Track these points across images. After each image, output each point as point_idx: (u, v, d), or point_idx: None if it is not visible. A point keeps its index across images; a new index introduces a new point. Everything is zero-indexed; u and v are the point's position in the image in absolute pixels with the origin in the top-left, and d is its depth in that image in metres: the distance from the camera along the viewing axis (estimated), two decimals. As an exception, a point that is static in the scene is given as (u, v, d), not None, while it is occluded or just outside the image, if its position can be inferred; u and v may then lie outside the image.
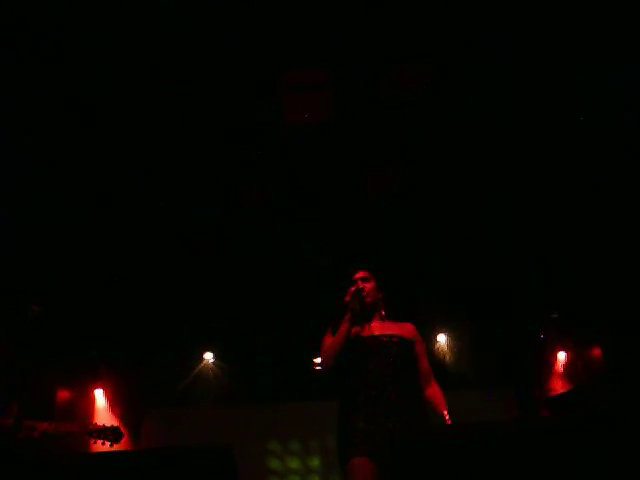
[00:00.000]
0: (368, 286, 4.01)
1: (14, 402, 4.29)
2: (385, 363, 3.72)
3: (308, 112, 5.39)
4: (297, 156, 6.05)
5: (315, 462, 9.17)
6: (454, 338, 9.15)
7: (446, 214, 6.87)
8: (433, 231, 7.13)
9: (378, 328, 3.93)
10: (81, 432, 4.70)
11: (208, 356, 9.22)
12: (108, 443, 4.62)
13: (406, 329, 3.98)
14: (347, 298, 3.90)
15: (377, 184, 6.42)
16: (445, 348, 9.12)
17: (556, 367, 8.73)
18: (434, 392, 3.87)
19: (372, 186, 6.45)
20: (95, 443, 4.66)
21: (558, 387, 8.52)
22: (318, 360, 8.83)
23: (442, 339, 9.16)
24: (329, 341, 3.89)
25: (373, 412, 3.58)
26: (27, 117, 5.16)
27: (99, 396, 8.42)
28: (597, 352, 7.87)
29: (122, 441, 4.74)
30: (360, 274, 4.07)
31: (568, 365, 8.59)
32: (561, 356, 8.71)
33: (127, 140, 5.66)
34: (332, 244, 7.25)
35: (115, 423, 4.92)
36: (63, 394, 7.93)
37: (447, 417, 3.74)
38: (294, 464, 9.20)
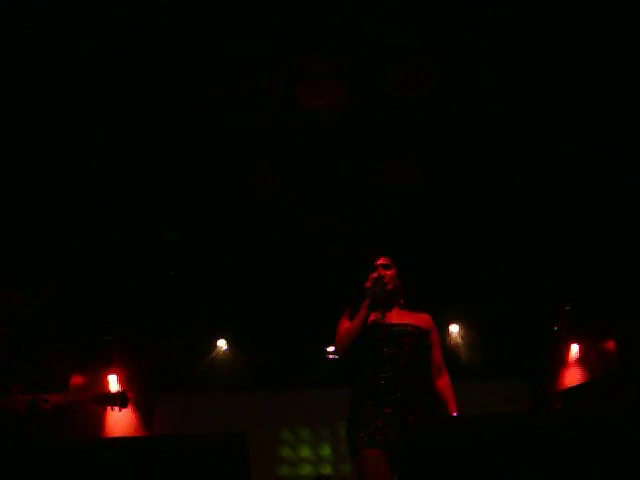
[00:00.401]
0: (389, 273, 3.99)
1: (29, 382, 4.36)
2: (399, 351, 3.72)
3: (322, 100, 5.38)
4: (310, 144, 6.03)
5: (326, 450, 9.21)
6: (467, 329, 9.12)
7: (459, 204, 6.84)
8: (446, 222, 7.09)
9: (395, 316, 3.91)
10: (90, 400, 4.83)
11: (222, 343, 9.26)
12: (117, 408, 4.74)
13: (423, 319, 3.97)
14: (368, 284, 3.88)
15: (387, 175, 6.41)
16: (458, 339, 9.11)
17: (569, 359, 8.69)
18: (443, 384, 3.85)
19: (383, 177, 6.44)
20: (105, 409, 4.81)
21: (571, 380, 8.49)
22: (331, 349, 8.88)
23: (455, 329, 9.14)
24: (346, 325, 3.88)
25: (383, 400, 3.58)
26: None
27: (112, 382, 8.47)
28: (611, 344, 7.83)
29: (135, 427, 4.87)
30: (381, 260, 4.05)
31: (581, 357, 8.56)
32: (574, 348, 8.67)
33: (130, 133, 5.68)
34: (345, 233, 7.24)
35: (128, 409, 5.05)
36: (77, 379, 8.00)
37: (454, 411, 3.74)
38: (305, 452, 9.24)
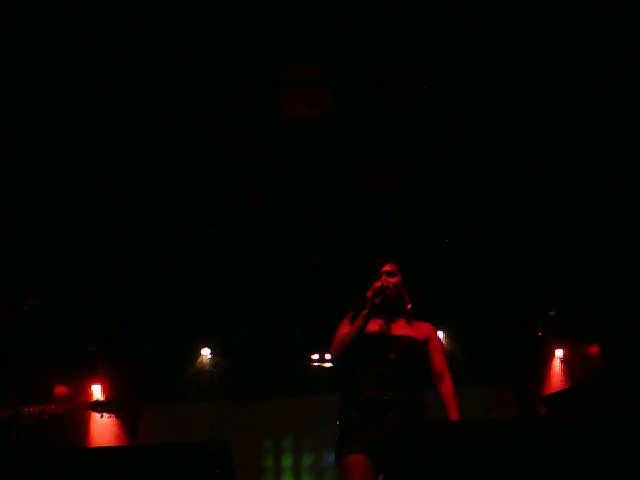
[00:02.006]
0: (393, 280, 3.90)
1: (13, 392, 4.35)
2: (389, 365, 3.68)
3: (307, 108, 5.39)
4: (296, 153, 6.05)
5: (309, 459, 9.18)
6: (451, 335, 9.14)
7: (444, 210, 6.87)
8: (430, 228, 7.11)
9: (394, 327, 3.87)
10: (85, 407, 4.87)
11: (205, 352, 9.22)
12: (113, 415, 4.79)
13: (421, 329, 3.95)
14: (369, 293, 3.77)
15: (376, 183, 6.42)
16: (443, 345, 9.11)
17: (554, 364, 8.73)
18: (445, 390, 3.78)
19: (371, 185, 6.45)
20: (102, 417, 4.87)
21: (556, 384, 8.52)
22: (315, 357, 8.87)
23: (439, 336, 9.14)
24: (344, 331, 3.82)
25: (370, 411, 3.56)
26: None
27: (97, 392, 8.42)
28: (595, 349, 7.87)
29: (119, 436, 4.93)
30: (387, 267, 3.95)
31: (566, 362, 8.59)
32: (559, 353, 8.71)
33: (126, 137, 5.66)
34: (330, 241, 7.24)
35: (112, 418, 5.06)
36: (60, 389, 7.94)
37: (454, 416, 3.67)
38: (288, 461, 9.22)
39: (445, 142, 5.92)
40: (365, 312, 3.71)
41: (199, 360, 9.22)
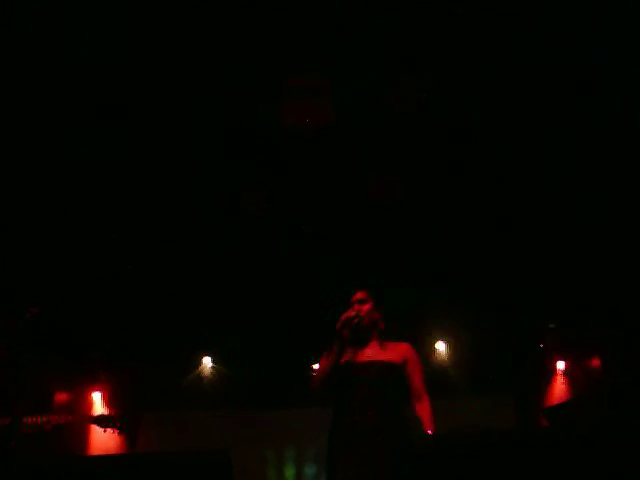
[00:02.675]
0: (365, 308, 4.04)
1: (14, 401, 4.34)
2: (367, 391, 3.80)
3: (308, 117, 5.41)
4: (298, 161, 6.06)
5: (311, 469, 9.15)
6: (453, 346, 9.13)
7: (446, 221, 6.87)
8: (431, 236, 7.12)
9: (369, 353, 3.99)
10: (88, 421, 4.86)
11: (207, 360, 9.21)
12: (117, 430, 4.81)
13: (398, 351, 4.02)
14: (338, 326, 3.90)
15: (378, 193, 6.43)
16: (444, 356, 9.10)
17: (555, 376, 8.71)
18: (421, 409, 3.89)
19: (372, 194, 6.46)
20: (105, 431, 4.85)
21: (557, 397, 8.50)
22: (316, 366, 8.84)
23: (441, 347, 9.14)
24: (322, 364, 3.99)
25: (353, 439, 3.70)
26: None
27: (97, 399, 8.42)
28: (596, 362, 7.86)
29: (119, 444, 4.91)
30: (358, 295, 4.11)
31: (567, 375, 8.58)
32: (560, 365, 8.70)
33: (129, 141, 5.68)
34: (333, 247, 7.25)
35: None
36: (61, 396, 7.94)
37: (428, 429, 3.79)
38: (290, 471, 9.18)
39: (445, 148, 5.93)
40: (337, 344, 3.89)
41: (200, 369, 9.20)
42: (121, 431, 4.86)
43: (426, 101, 5.37)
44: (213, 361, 9.22)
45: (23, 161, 5.63)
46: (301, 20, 4.68)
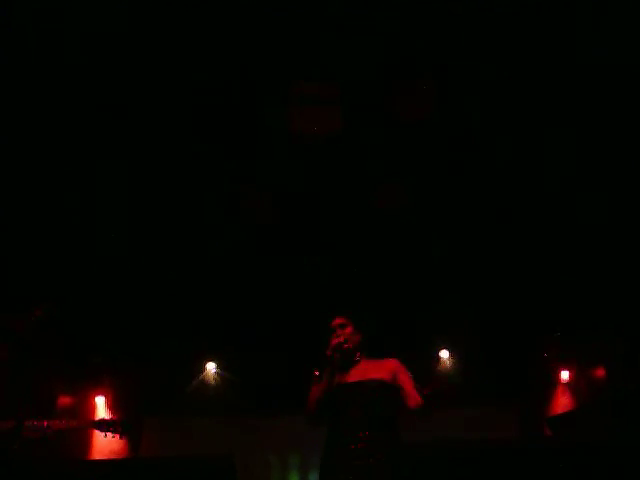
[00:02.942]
0: (346, 331, 4.19)
1: (17, 405, 4.34)
2: (359, 411, 3.89)
3: (316, 124, 5.43)
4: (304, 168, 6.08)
5: (314, 476, 9.11)
6: (457, 355, 9.11)
7: (448, 226, 6.87)
8: (433, 245, 7.12)
9: (358, 373, 4.10)
10: (89, 425, 4.86)
11: (210, 366, 9.21)
12: (117, 435, 4.80)
13: (386, 367, 4.12)
14: (328, 352, 4.06)
15: (381, 200, 6.44)
16: (448, 364, 9.09)
17: (559, 386, 8.68)
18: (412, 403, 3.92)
19: (376, 201, 6.47)
20: (106, 436, 4.82)
21: (561, 406, 8.47)
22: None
23: (445, 355, 9.13)
24: (313, 393, 4.10)
25: (347, 457, 3.76)
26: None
27: (100, 403, 8.41)
28: (601, 372, 7.83)
29: (122, 449, 4.87)
30: (337, 321, 4.26)
31: (571, 384, 8.55)
32: (564, 375, 8.67)
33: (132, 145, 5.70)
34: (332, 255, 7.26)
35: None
36: (64, 400, 7.94)
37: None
38: (294, 478, 9.15)
39: (444, 151, 5.94)
40: (328, 370, 4.04)
41: (204, 374, 9.20)
42: (122, 436, 4.86)
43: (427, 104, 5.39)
44: (217, 366, 9.22)
45: (24, 161, 5.64)
46: (301, 21, 4.70)
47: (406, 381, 4.05)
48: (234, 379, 9.14)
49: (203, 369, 9.23)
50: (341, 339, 4.10)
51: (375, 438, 3.78)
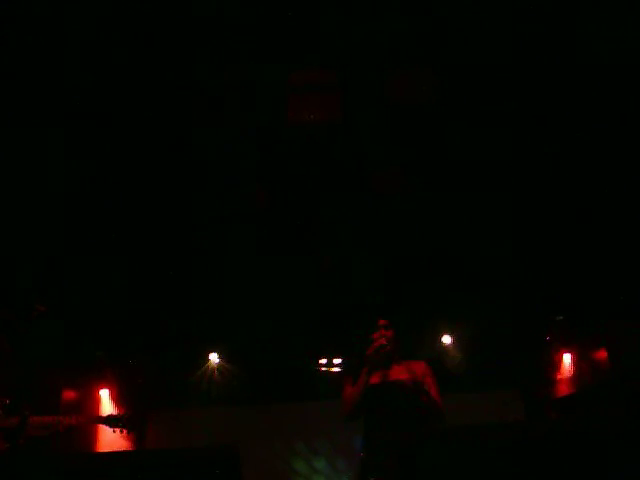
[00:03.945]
0: (389, 334, 4.44)
1: (21, 400, 4.36)
2: (398, 408, 4.07)
3: (313, 113, 5.40)
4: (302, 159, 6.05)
5: (321, 463, 9.16)
6: (459, 339, 9.12)
7: (453, 217, 6.85)
8: (435, 229, 7.10)
9: (393, 373, 4.29)
10: (98, 422, 4.88)
11: (213, 357, 9.22)
12: (125, 430, 4.83)
13: (418, 369, 4.34)
14: (369, 352, 4.30)
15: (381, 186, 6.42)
16: (450, 349, 9.09)
17: (562, 369, 8.71)
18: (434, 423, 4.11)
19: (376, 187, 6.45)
20: (114, 432, 4.87)
21: (564, 389, 8.50)
22: (323, 361, 8.86)
23: (447, 340, 9.13)
24: (349, 391, 4.31)
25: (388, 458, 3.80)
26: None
27: (104, 396, 8.43)
28: (603, 354, 7.84)
29: (127, 442, 4.88)
30: (383, 322, 4.52)
31: (574, 367, 8.57)
32: (567, 358, 8.69)
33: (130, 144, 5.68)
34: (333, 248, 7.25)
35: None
36: (69, 394, 7.95)
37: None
38: (300, 465, 9.19)
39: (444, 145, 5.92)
40: (366, 369, 4.25)
41: (207, 365, 9.22)
42: (130, 431, 4.88)
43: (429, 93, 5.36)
44: (219, 357, 9.23)
45: (24, 161, 5.63)
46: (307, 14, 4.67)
47: (432, 385, 4.29)
48: (237, 369, 9.16)
49: (206, 360, 9.24)
50: (383, 341, 4.33)
51: (412, 429, 3.83)
